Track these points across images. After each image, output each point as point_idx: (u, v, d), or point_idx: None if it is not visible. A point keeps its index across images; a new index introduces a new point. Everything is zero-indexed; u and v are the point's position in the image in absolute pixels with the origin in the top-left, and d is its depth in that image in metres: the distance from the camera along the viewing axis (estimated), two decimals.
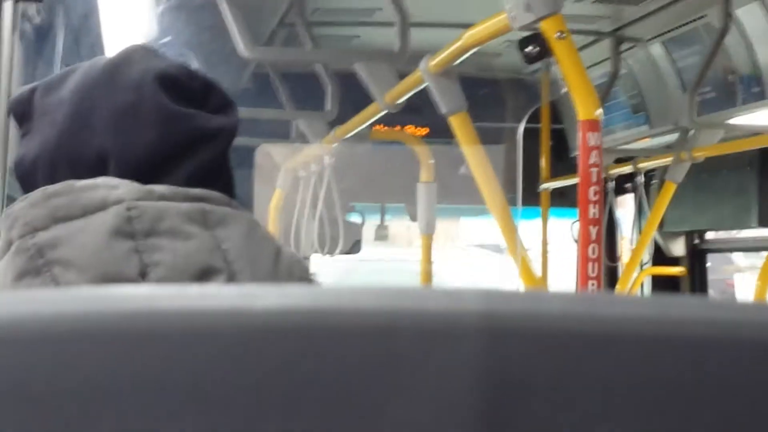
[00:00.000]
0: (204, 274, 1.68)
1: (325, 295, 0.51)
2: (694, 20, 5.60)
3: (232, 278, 1.66)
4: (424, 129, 6.62)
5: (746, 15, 5.20)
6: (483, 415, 0.48)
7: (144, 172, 1.89)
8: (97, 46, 5.52)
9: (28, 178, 1.94)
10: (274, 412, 0.47)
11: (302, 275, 1.88)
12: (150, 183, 1.88)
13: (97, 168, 1.92)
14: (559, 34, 2.98)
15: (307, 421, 0.48)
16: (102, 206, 1.77)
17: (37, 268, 1.70)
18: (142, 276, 1.68)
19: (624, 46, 6.30)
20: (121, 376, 0.47)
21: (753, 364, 0.55)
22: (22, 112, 2.05)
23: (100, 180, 1.84)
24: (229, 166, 2.01)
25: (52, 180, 1.91)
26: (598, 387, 0.50)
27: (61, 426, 0.47)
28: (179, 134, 1.94)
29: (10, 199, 3.40)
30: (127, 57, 2.01)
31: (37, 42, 4.88)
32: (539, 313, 0.53)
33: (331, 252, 7.06)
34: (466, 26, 3.70)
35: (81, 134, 1.94)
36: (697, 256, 7.20)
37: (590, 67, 6.26)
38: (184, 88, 1.95)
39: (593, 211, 3.02)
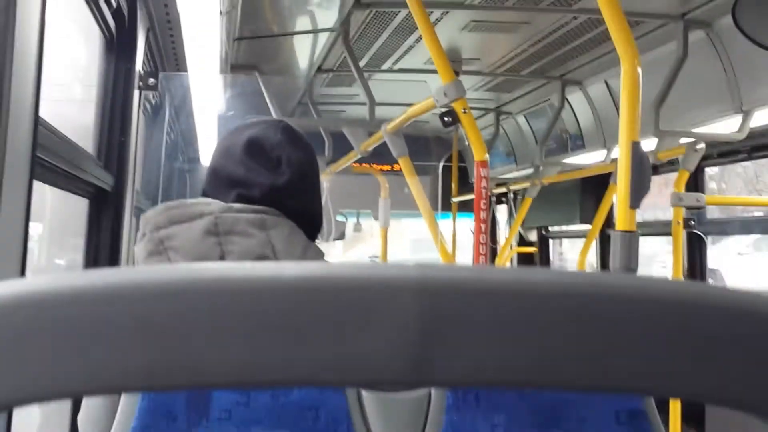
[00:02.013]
0: (258, 260, 1.66)
1: (321, 267, 0.47)
2: (543, 102, 5.67)
3: None
4: (384, 166, 6.55)
5: (574, 97, 5.29)
6: (419, 343, 0.45)
7: (233, 186, 1.91)
8: (190, 118, 5.54)
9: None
10: (286, 339, 0.43)
11: (319, 260, 1.81)
12: (237, 191, 1.90)
13: (220, 183, 1.96)
14: (463, 110, 3.01)
15: (306, 343, 0.43)
16: (200, 216, 1.80)
17: (159, 251, 1.76)
18: (221, 260, 1.68)
19: (502, 117, 6.37)
20: (206, 316, 0.43)
21: (575, 308, 0.47)
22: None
23: (201, 199, 1.87)
24: (295, 197, 1.94)
25: (212, 185, 1.96)
26: (494, 322, 0.46)
27: (177, 346, 0.42)
28: (239, 179, 1.92)
29: (138, 210, 3.39)
30: (256, 123, 2.01)
31: (153, 115, 4.93)
32: (454, 277, 0.49)
33: (327, 238, 6.93)
34: (409, 105, 3.70)
35: (218, 161, 1.97)
36: (543, 241, 7.26)
37: (482, 129, 6.31)
38: (264, 152, 1.93)
39: (483, 214, 3.03)
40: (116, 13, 2.90)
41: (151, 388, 0.40)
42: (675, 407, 3.28)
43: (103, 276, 0.40)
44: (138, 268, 0.41)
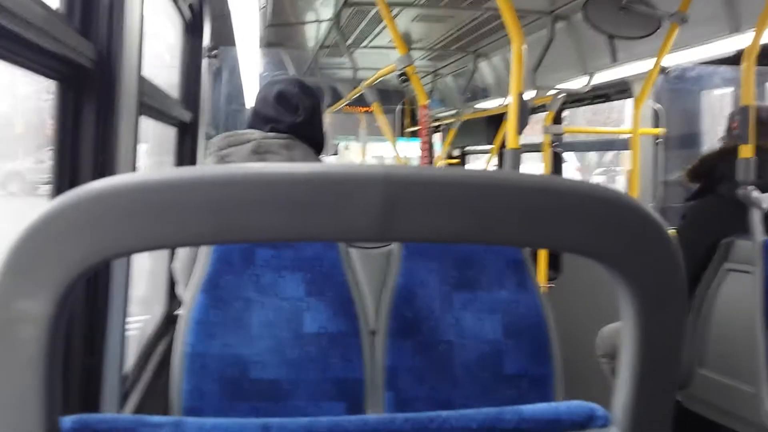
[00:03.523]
0: None
1: (323, 165, 0.42)
2: (463, 68, 5.56)
3: None
4: (363, 108, 6.42)
5: (483, 65, 5.19)
6: (384, 213, 0.41)
7: (268, 122, 1.84)
8: (239, 77, 5.33)
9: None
10: (302, 210, 0.39)
11: None
12: (271, 125, 1.82)
13: (260, 120, 1.87)
14: (412, 72, 2.93)
15: (314, 213, 0.39)
16: (247, 141, 1.76)
17: (221, 164, 1.75)
18: None
19: (437, 77, 6.22)
20: (251, 196, 0.39)
21: (482, 191, 0.42)
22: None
23: (248, 131, 1.80)
24: (307, 129, 1.85)
25: (255, 121, 1.86)
26: (431, 201, 0.41)
27: (232, 214, 0.38)
28: (272, 118, 1.85)
29: (208, 136, 3.23)
30: (282, 80, 1.92)
31: (215, 75, 4.88)
32: (407, 172, 0.43)
33: (327, 154, 6.98)
34: (378, 69, 3.61)
35: (259, 106, 1.89)
36: (463, 157, 7.04)
37: (424, 85, 6.12)
38: (287, 101, 1.85)
39: (425, 139, 3.00)
40: (191, 7, 2.83)
41: (216, 241, 0.38)
42: (543, 256, 3.30)
43: (187, 170, 0.39)
44: (206, 166, 0.40)
